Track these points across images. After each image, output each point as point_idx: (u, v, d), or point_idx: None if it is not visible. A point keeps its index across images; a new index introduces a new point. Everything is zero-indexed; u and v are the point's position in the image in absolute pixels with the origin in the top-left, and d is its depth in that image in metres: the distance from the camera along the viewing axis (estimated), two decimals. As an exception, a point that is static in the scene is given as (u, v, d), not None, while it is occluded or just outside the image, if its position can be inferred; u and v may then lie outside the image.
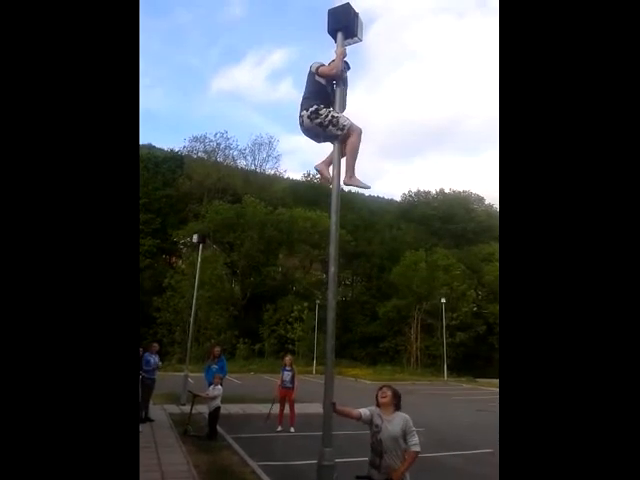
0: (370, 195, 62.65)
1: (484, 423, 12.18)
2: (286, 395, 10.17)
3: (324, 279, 36.98)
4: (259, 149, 51.36)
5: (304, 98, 4.15)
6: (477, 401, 18.21)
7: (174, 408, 12.24)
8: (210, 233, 35.06)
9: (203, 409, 9.81)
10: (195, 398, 9.44)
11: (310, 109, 4.02)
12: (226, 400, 10.58)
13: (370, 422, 3.78)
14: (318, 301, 33.74)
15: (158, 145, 53.00)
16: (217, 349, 11.42)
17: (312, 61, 4.20)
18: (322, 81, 4.14)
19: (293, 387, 10.19)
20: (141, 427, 8.97)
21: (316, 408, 11.20)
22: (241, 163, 50.93)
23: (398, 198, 60.71)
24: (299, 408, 10.72)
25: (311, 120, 4.00)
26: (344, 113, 4.16)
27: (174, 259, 43.13)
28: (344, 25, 4.23)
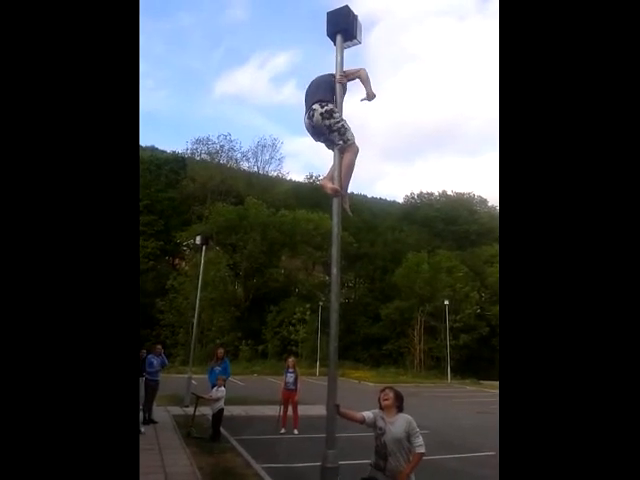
0: (372, 197, 62.91)
1: (487, 425, 12.13)
2: (289, 397, 10.16)
3: (327, 281, 36.91)
4: (262, 151, 51.53)
5: (316, 91, 4.12)
6: (480, 403, 18.15)
7: (177, 410, 12.25)
8: (213, 235, 35.11)
9: (206, 411, 9.83)
10: (198, 400, 9.45)
11: (325, 107, 3.99)
12: (229, 402, 10.58)
13: (374, 425, 3.78)
14: (321, 303, 33.71)
15: (161, 147, 53.21)
16: (220, 351, 11.43)
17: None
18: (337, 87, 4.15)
19: (296, 389, 10.18)
20: (144, 429, 8.99)
21: (319, 410, 11.17)
22: (244, 165, 51.12)
23: (400, 200, 60.88)
24: (302, 410, 10.71)
25: (322, 118, 3.98)
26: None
27: (177, 261, 43.22)
28: (343, 28, 4.23)
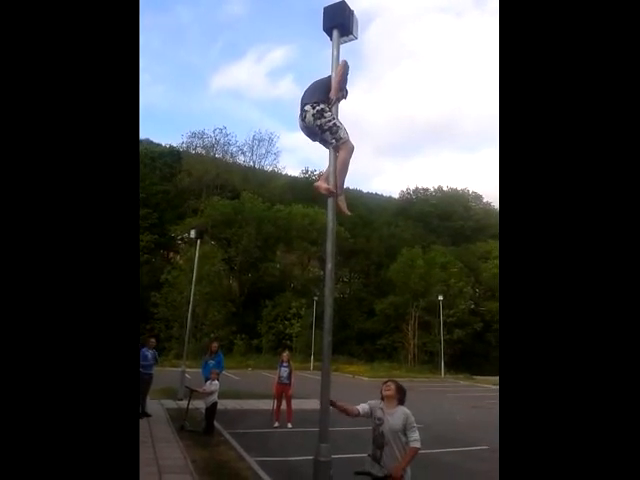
0: (368, 192, 62.78)
1: (481, 420, 12.24)
2: (283, 391, 10.20)
3: (322, 276, 36.99)
4: (258, 145, 51.40)
5: (312, 94, 4.12)
6: (474, 398, 18.29)
7: (171, 403, 12.27)
8: (208, 229, 35.03)
9: (200, 404, 9.84)
10: (192, 393, 9.46)
11: (317, 107, 4.01)
12: (223, 395, 10.61)
13: (371, 415, 3.81)
14: (316, 298, 33.81)
15: (156, 140, 52.91)
16: (215, 345, 11.43)
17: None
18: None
19: (290, 383, 10.21)
20: (138, 422, 9.00)
21: (313, 404, 11.23)
22: (240, 159, 50.98)
23: (396, 195, 60.87)
24: (296, 404, 10.76)
25: (314, 119, 4.00)
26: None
27: (172, 254, 43.10)
28: (339, 23, 4.22)
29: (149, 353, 10.61)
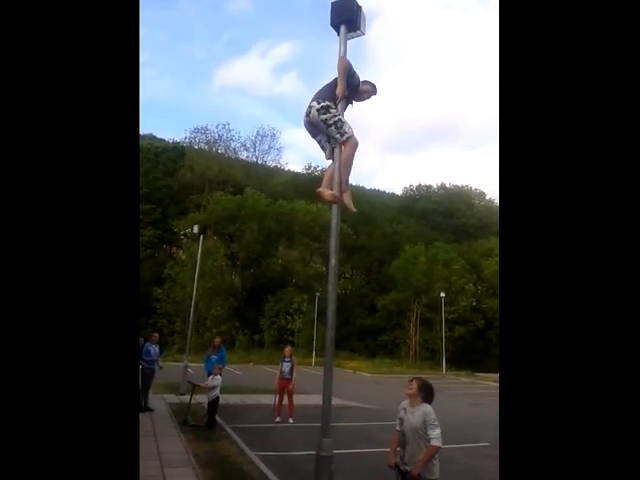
0: (371, 189, 62.74)
1: (482, 417, 12.26)
2: (285, 386, 10.23)
3: (324, 272, 37.02)
4: (261, 141, 51.36)
5: (320, 93, 4.15)
6: (475, 395, 18.30)
7: (173, 398, 12.33)
8: (211, 224, 35.09)
9: (202, 399, 9.89)
10: (194, 388, 9.50)
11: (322, 103, 4.03)
12: (225, 390, 10.65)
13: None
14: (318, 293, 33.82)
15: (159, 135, 52.92)
16: (217, 340, 11.47)
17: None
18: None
19: (292, 378, 10.24)
20: (141, 416, 9.05)
21: (315, 399, 11.26)
22: (242, 155, 50.94)
23: (399, 192, 60.74)
24: (298, 399, 10.79)
25: (319, 114, 4.01)
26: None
27: (174, 249, 43.16)
28: (347, 18, 4.22)
29: (152, 348, 10.65)
